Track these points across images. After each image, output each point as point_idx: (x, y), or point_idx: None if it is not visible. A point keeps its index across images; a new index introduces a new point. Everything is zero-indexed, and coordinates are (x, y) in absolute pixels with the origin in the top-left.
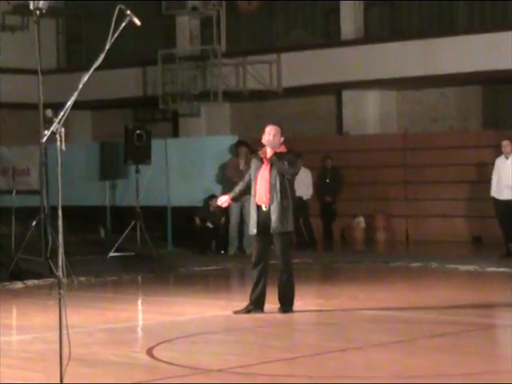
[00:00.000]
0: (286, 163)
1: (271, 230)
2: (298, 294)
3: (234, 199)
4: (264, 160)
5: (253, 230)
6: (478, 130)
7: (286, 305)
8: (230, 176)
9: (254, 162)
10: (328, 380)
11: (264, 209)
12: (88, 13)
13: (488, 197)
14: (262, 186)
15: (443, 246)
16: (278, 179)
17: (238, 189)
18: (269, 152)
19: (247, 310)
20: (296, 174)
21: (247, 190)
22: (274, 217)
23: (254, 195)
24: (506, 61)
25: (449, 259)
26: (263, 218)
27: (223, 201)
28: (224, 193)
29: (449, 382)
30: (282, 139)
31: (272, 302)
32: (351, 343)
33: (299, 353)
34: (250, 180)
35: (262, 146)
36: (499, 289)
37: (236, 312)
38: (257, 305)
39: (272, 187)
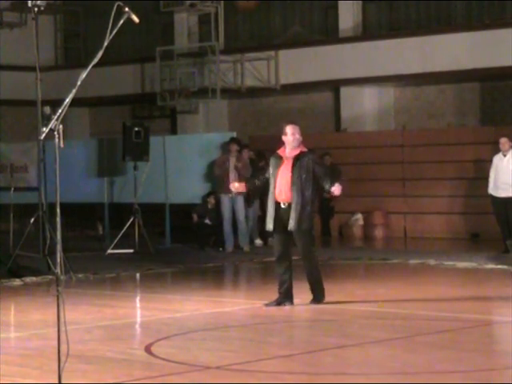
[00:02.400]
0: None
1: (289, 228)
2: (295, 290)
3: (250, 189)
4: (284, 159)
5: (269, 225)
6: (476, 126)
7: (317, 296)
8: (217, 174)
9: (272, 160)
10: (326, 377)
11: (283, 206)
12: (86, 10)
13: (486, 194)
14: (283, 184)
15: (441, 242)
16: (300, 178)
17: (256, 182)
18: (288, 151)
19: (278, 303)
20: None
21: (263, 187)
22: (293, 215)
23: (274, 192)
24: (504, 57)
25: (447, 256)
26: (282, 215)
27: (237, 186)
28: (212, 191)
29: (447, 378)
30: (301, 137)
31: (268, 299)
32: (349, 340)
33: (297, 349)
34: (267, 178)
35: (282, 143)
36: (497, 285)
37: (267, 305)
38: (287, 297)
39: (293, 185)
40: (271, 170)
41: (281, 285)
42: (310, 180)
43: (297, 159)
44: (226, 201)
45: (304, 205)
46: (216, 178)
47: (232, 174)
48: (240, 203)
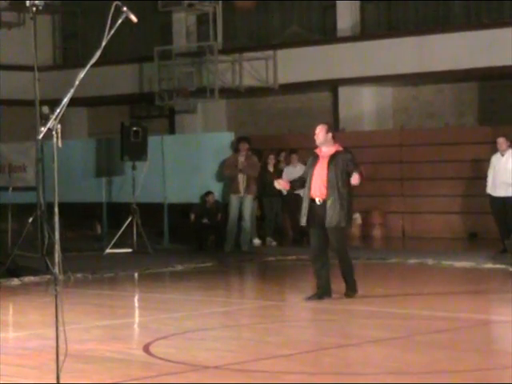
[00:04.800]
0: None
1: (326, 225)
2: (294, 290)
3: (292, 187)
4: (320, 157)
5: (302, 220)
6: (474, 126)
7: (350, 290)
8: (227, 174)
9: (310, 159)
10: (325, 376)
11: (318, 202)
12: (84, 9)
13: (484, 193)
14: (318, 181)
15: (439, 242)
16: (336, 176)
17: (298, 179)
18: (324, 150)
19: (319, 297)
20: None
21: (303, 184)
22: (329, 212)
23: (309, 188)
24: (502, 57)
25: (445, 256)
26: (317, 211)
27: (282, 183)
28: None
29: (446, 378)
30: (330, 135)
31: (267, 299)
32: (348, 339)
33: (296, 349)
34: (306, 175)
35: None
36: (495, 285)
37: (308, 298)
38: (326, 291)
39: (329, 183)
40: (308, 168)
41: (319, 280)
42: (345, 178)
43: (332, 158)
44: (234, 201)
45: (340, 202)
46: (226, 178)
47: (240, 174)
48: (248, 202)
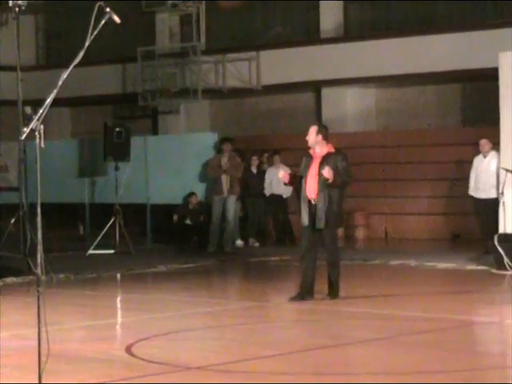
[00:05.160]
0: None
1: (317, 227)
2: (277, 290)
3: (293, 181)
4: (313, 158)
5: (304, 221)
6: (457, 127)
7: (333, 293)
8: (211, 175)
9: (304, 159)
10: (308, 377)
11: (313, 203)
12: (67, 10)
13: (467, 194)
14: (312, 182)
15: (422, 243)
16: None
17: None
18: (317, 151)
19: (301, 297)
20: (352, 180)
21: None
22: (320, 213)
23: (305, 189)
24: (485, 59)
25: (427, 257)
26: (311, 211)
27: (283, 175)
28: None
29: (430, 378)
30: (319, 137)
31: (250, 300)
32: (331, 340)
33: (279, 350)
34: (302, 177)
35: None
36: (478, 286)
37: (291, 299)
38: (309, 292)
39: (320, 185)
40: (302, 169)
41: (303, 280)
42: (339, 176)
43: (324, 159)
44: (217, 202)
45: (330, 203)
46: (209, 179)
47: (224, 175)
48: (231, 203)
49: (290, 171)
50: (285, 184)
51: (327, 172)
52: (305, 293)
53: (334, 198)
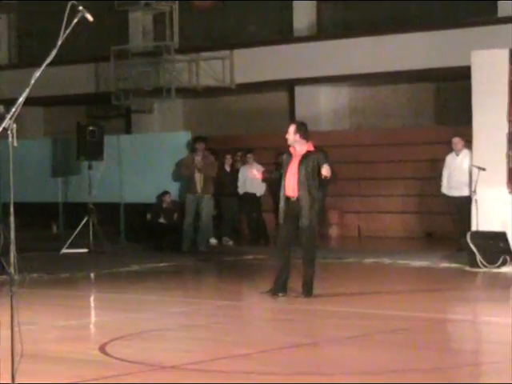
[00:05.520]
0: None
1: (300, 226)
2: (251, 289)
3: (267, 178)
4: (293, 156)
5: (282, 219)
6: (430, 126)
7: (307, 291)
8: (185, 173)
9: (284, 157)
10: (282, 376)
11: (292, 200)
12: (40, 8)
13: (440, 193)
14: (291, 180)
15: (396, 241)
16: (306, 176)
17: (274, 174)
18: (297, 149)
19: (273, 293)
20: (335, 178)
21: (277, 181)
22: (302, 212)
23: (284, 187)
24: (458, 58)
25: (401, 255)
26: (291, 209)
27: (255, 173)
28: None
29: (403, 377)
30: (297, 136)
31: (224, 299)
32: (305, 339)
33: (253, 348)
34: (281, 173)
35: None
36: (451, 284)
37: (262, 292)
38: (282, 288)
39: (300, 184)
40: (283, 167)
41: (278, 276)
42: (316, 178)
43: (303, 158)
44: (191, 200)
45: (311, 202)
46: (183, 178)
47: (197, 174)
48: (205, 202)
49: (263, 169)
50: (262, 181)
51: (326, 170)
52: (278, 289)
53: (317, 196)
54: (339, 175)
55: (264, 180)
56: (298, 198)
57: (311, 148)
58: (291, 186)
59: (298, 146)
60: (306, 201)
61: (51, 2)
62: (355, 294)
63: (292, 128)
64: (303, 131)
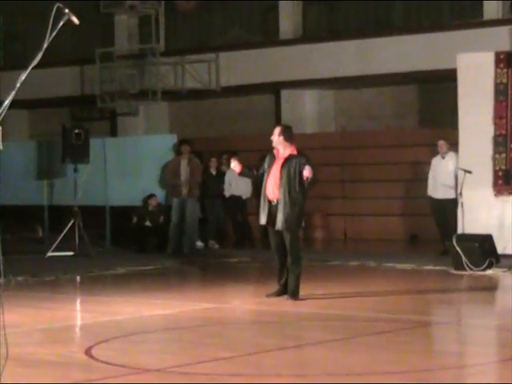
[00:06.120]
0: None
1: (276, 228)
2: (236, 292)
3: (243, 172)
4: (276, 159)
5: (262, 220)
6: (415, 128)
7: (291, 293)
8: (170, 183)
9: (268, 159)
10: (265, 378)
11: (273, 203)
12: (25, 11)
13: (424, 195)
14: (272, 182)
15: (380, 244)
16: (288, 180)
17: (254, 172)
18: (281, 151)
19: (278, 294)
20: (315, 182)
21: (258, 181)
22: (279, 215)
23: (265, 188)
24: (442, 60)
25: (386, 257)
26: (272, 211)
27: (235, 165)
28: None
29: (386, 379)
30: (281, 138)
31: (209, 301)
32: (289, 341)
33: (237, 351)
34: (263, 173)
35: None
36: (436, 286)
37: (268, 295)
38: (286, 289)
39: (281, 186)
40: (266, 167)
41: (280, 277)
42: (297, 181)
43: (285, 161)
44: (176, 204)
45: (291, 205)
46: (168, 181)
47: (183, 177)
48: (190, 205)
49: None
50: (239, 174)
51: (308, 171)
52: (282, 290)
53: (297, 199)
54: (323, 177)
55: (241, 174)
56: (278, 201)
57: (294, 152)
58: (272, 188)
59: (282, 148)
60: (286, 204)
61: (36, 3)
62: (340, 296)
63: (277, 130)
64: (288, 134)
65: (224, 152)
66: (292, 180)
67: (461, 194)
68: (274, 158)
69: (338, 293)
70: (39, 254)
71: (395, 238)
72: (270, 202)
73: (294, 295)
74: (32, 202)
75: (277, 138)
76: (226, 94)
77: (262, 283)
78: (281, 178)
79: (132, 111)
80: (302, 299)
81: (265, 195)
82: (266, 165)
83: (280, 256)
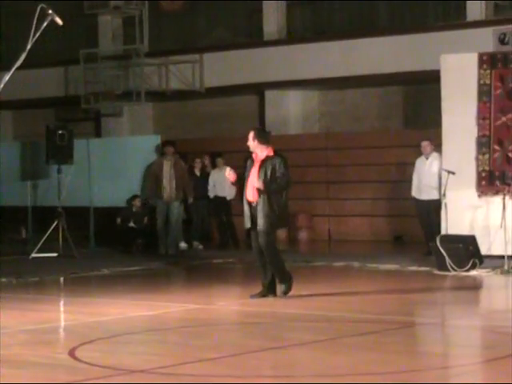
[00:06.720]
0: (274, 182)
1: (258, 229)
2: (220, 293)
3: (238, 181)
4: (255, 161)
5: (247, 224)
6: (400, 129)
7: (283, 288)
8: (151, 179)
9: (248, 163)
10: (250, 379)
11: (253, 205)
12: (8, 11)
13: (409, 196)
14: (251, 185)
15: (365, 245)
16: (265, 181)
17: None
18: (259, 154)
19: (262, 295)
20: (289, 183)
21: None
22: (260, 215)
23: (246, 191)
24: (427, 61)
25: (370, 258)
26: (252, 213)
27: (229, 174)
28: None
29: (371, 380)
30: (256, 142)
31: (193, 302)
32: (274, 342)
33: (222, 352)
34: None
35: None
36: (420, 287)
37: (252, 296)
38: (270, 289)
39: (259, 188)
40: (246, 170)
41: (264, 278)
42: (275, 182)
43: (263, 163)
44: (160, 206)
45: (269, 206)
46: (150, 181)
47: (167, 179)
48: (174, 207)
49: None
50: (232, 183)
51: (259, 184)
52: (266, 291)
53: (276, 200)
54: (308, 178)
55: (234, 183)
56: (257, 203)
57: (271, 153)
58: (251, 190)
59: (259, 151)
60: (265, 205)
61: (18, 3)
62: (324, 297)
63: (251, 134)
64: (262, 137)
65: (208, 153)
66: (269, 181)
67: (444, 194)
68: (253, 161)
69: (323, 294)
70: (23, 255)
71: (379, 238)
72: (250, 204)
73: (286, 291)
74: (16, 203)
75: (252, 142)
76: (210, 94)
77: (247, 284)
78: (258, 179)
79: (116, 112)
80: (286, 300)
81: (245, 198)
82: (247, 168)
83: (261, 258)
